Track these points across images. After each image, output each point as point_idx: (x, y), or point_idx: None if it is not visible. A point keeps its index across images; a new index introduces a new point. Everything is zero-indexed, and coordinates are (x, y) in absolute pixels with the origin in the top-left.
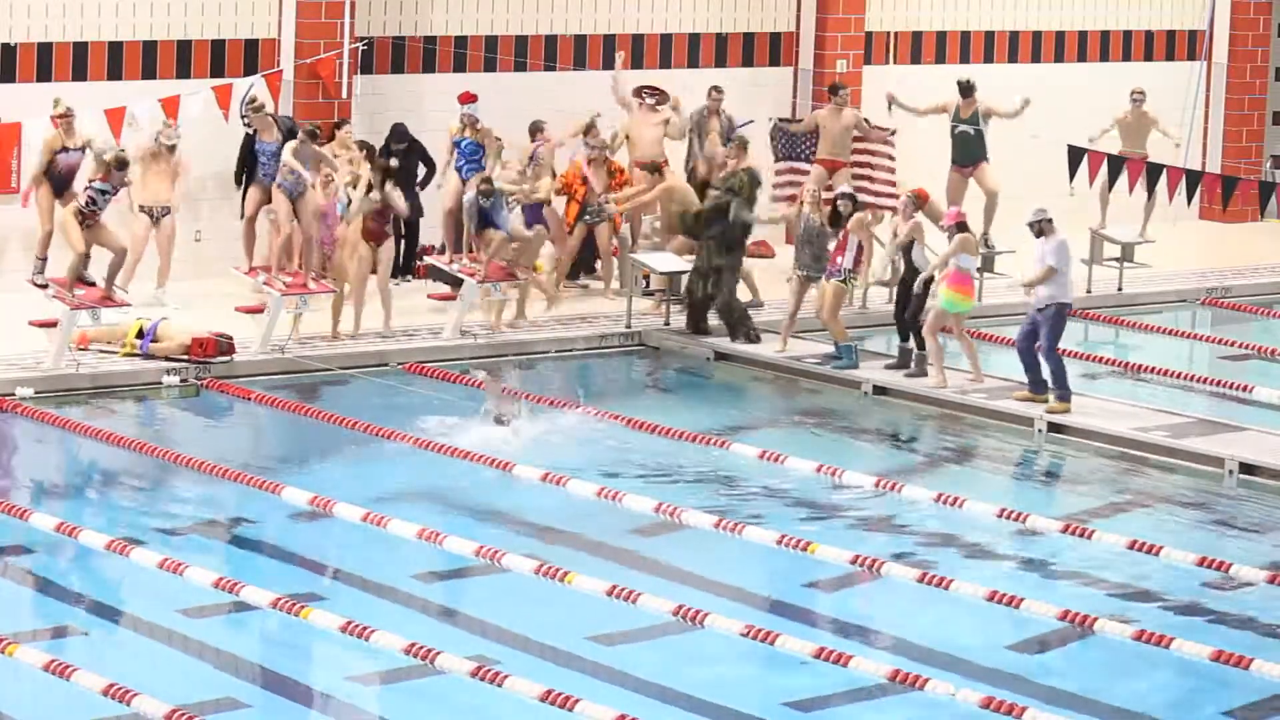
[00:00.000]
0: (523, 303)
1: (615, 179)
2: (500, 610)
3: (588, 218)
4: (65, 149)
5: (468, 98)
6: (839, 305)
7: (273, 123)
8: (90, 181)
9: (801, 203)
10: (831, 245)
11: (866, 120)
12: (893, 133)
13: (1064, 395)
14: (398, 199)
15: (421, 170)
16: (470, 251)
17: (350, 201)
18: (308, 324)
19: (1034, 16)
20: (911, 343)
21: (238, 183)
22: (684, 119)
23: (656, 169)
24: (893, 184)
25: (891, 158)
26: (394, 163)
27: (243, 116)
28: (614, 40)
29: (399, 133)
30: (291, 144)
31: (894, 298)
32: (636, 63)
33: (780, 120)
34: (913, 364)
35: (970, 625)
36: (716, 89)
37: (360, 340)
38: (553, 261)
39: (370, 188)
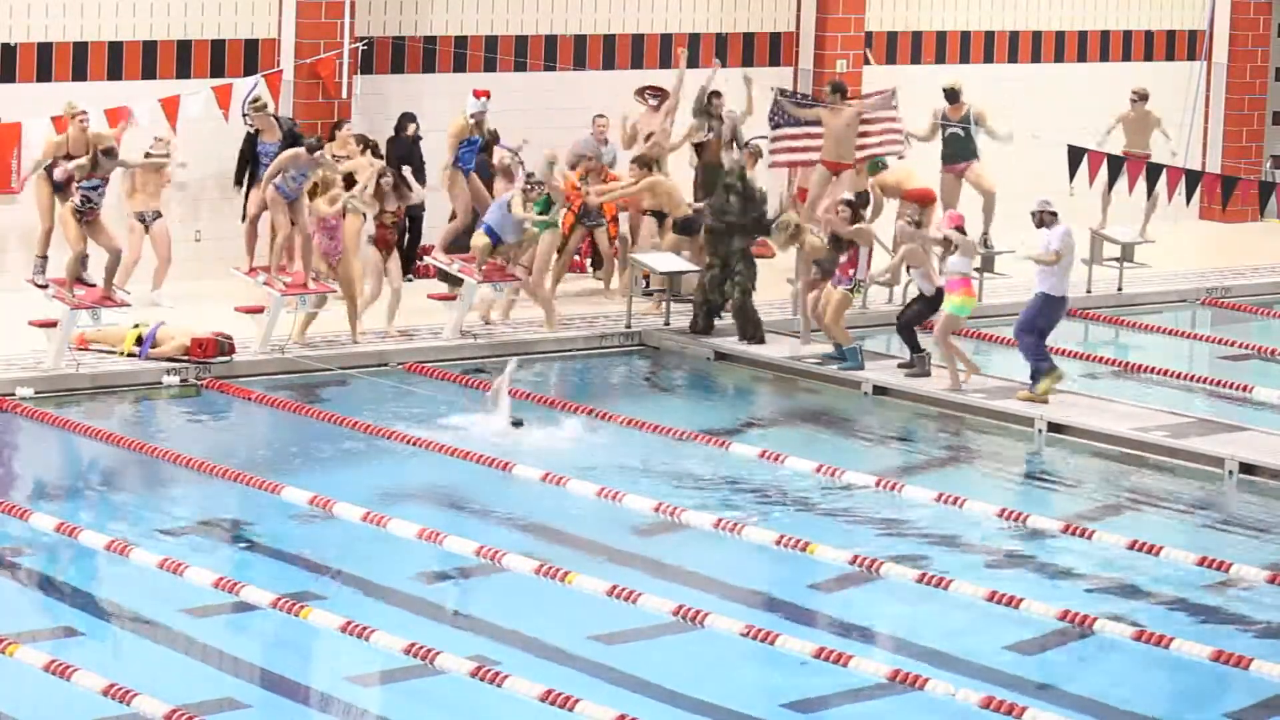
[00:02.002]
0: (509, 304)
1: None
2: (500, 610)
3: (586, 221)
4: (70, 155)
5: (483, 92)
6: (842, 312)
7: (275, 123)
8: (79, 180)
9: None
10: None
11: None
12: (893, 92)
13: (1038, 373)
14: (411, 192)
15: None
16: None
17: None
18: (311, 325)
19: (1034, 16)
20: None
21: (238, 184)
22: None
23: (647, 164)
24: (895, 133)
25: (892, 116)
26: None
27: (244, 115)
28: (614, 40)
29: (411, 118)
30: (294, 151)
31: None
32: (636, 63)
33: (782, 93)
34: (918, 364)
35: (970, 625)
36: (716, 94)
37: (360, 340)
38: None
39: (379, 188)
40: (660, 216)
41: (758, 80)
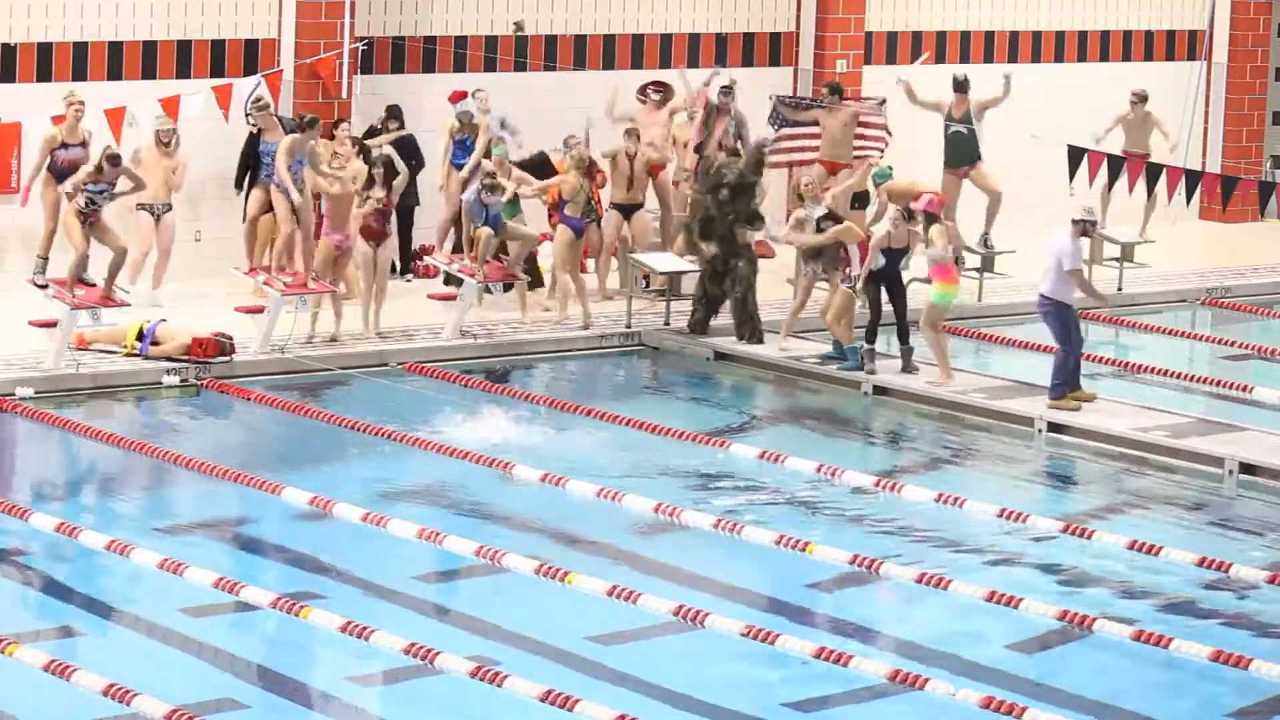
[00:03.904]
0: (523, 301)
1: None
2: (500, 610)
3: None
4: (65, 145)
5: (458, 96)
6: (844, 312)
7: (277, 122)
8: (85, 183)
9: (800, 198)
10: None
11: (857, 99)
12: (882, 101)
13: (1053, 392)
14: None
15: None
16: (470, 250)
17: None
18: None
19: (1034, 16)
20: (874, 344)
21: (239, 187)
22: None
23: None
24: (882, 139)
25: (883, 124)
26: (386, 148)
27: (247, 115)
28: (614, 40)
29: (395, 113)
30: (289, 138)
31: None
32: (636, 63)
33: (780, 100)
34: (905, 362)
35: (970, 625)
36: (726, 90)
37: (360, 340)
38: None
39: (370, 183)
40: (626, 210)
41: (759, 81)
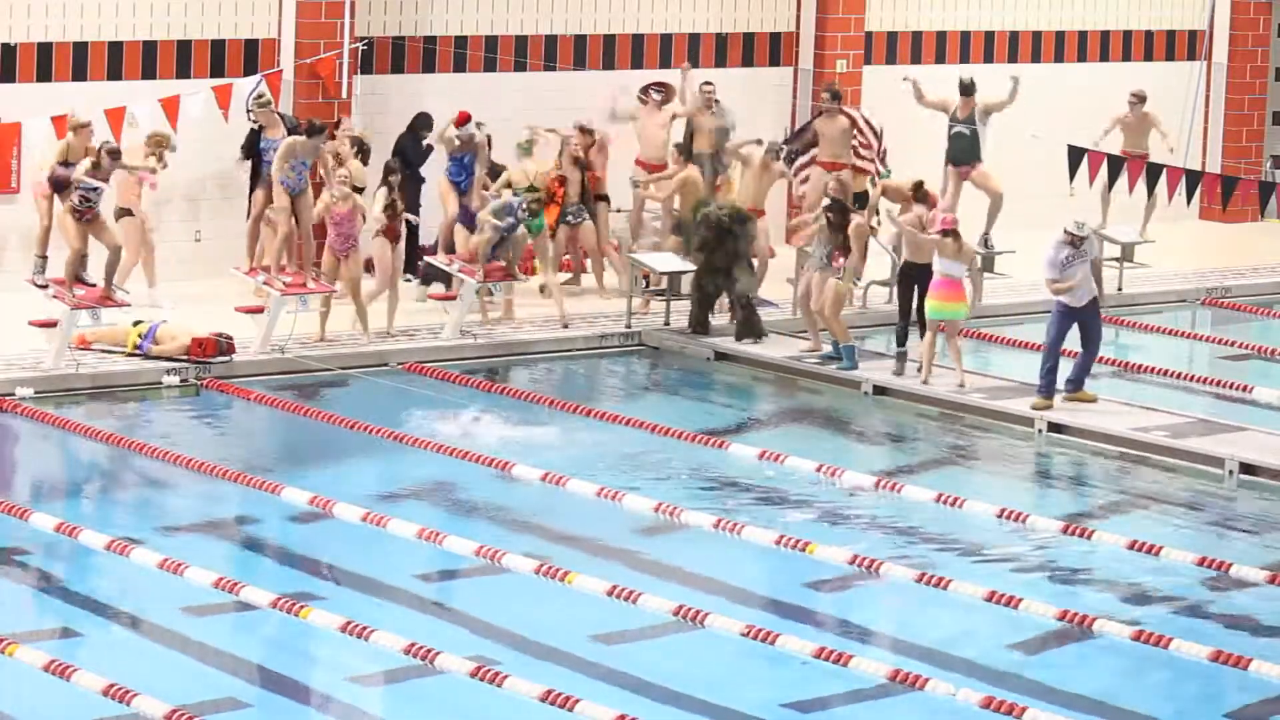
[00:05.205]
0: (510, 303)
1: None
2: (500, 610)
3: (569, 219)
4: (67, 163)
5: (464, 118)
6: (840, 305)
7: (279, 119)
8: (77, 181)
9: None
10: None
11: (854, 118)
12: (880, 138)
13: (1040, 390)
14: (410, 217)
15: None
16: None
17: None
18: (314, 323)
19: (1034, 16)
20: (904, 348)
21: (246, 158)
22: (690, 103)
23: (687, 150)
24: (870, 147)
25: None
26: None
27: (248, 111)
28: (614, 40)
29: (428, 122)
30: (291, 139)
31: (895, 297)
32: (636, 63)
33: (787, 145)
34: (897, 363)
35: (970, 625)
36: (707, 83)
37: (361, 340)
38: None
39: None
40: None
41: (756, 81)
